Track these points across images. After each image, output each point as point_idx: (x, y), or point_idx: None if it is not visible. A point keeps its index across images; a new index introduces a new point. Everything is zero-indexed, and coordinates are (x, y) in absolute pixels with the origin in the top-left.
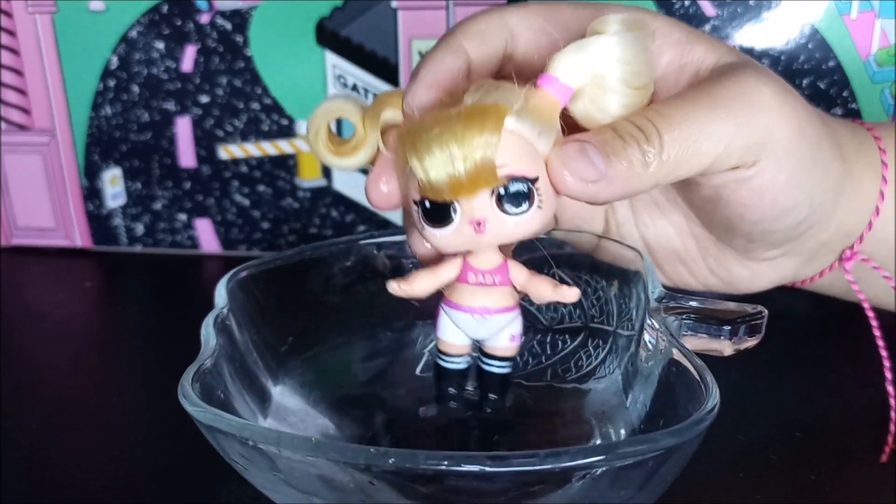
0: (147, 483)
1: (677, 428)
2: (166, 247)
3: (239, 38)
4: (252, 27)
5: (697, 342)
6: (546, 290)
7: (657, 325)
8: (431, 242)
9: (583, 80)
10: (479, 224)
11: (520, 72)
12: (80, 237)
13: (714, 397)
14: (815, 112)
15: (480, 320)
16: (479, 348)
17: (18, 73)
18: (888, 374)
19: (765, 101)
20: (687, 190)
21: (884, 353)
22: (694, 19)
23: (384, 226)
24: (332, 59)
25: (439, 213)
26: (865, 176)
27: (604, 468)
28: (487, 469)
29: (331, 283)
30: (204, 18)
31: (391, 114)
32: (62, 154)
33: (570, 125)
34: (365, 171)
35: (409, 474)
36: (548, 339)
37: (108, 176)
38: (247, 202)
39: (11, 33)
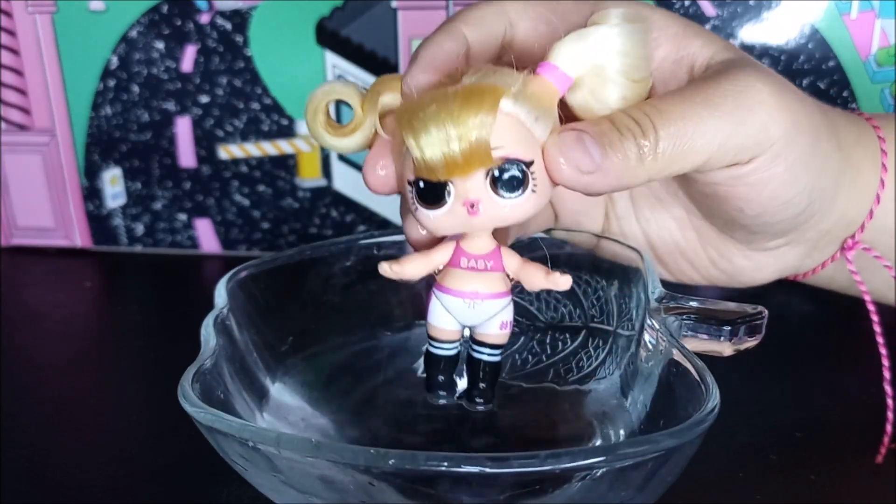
0: (147, 483)
1: (677, 429)
2: (166, 247)
3: (239, 38)
4: (252, 27)
5: (697, 342)
6: (538, 278)
7: (657, 326)
8: (424, 224)
9: (582, 69)
10: (472, 206)
11: (518, 60)
12: (80, 237)
13: (714, 398)
14: (812, 104)
15: (471, 305)
16: (470, 336)
17: (18, 73)
18: (886, 374)
19: (760, 99)
20: (686, 184)
21: (883, 350)
22: (694, 19)
23: (384, 226)
24: (332, 59)
25: (433, 194)
26: (865, 165)
27: (604, 469)
28: (487, 470)
29: (331, 283)
30: (204, 18)
31: (390, 98)
32: (62, 154)
33: (568, 118)
34: None
35: (409, 475)
36: (548, 339)
37: (108, 176)
38: (247, 202)
39: (11, 33)
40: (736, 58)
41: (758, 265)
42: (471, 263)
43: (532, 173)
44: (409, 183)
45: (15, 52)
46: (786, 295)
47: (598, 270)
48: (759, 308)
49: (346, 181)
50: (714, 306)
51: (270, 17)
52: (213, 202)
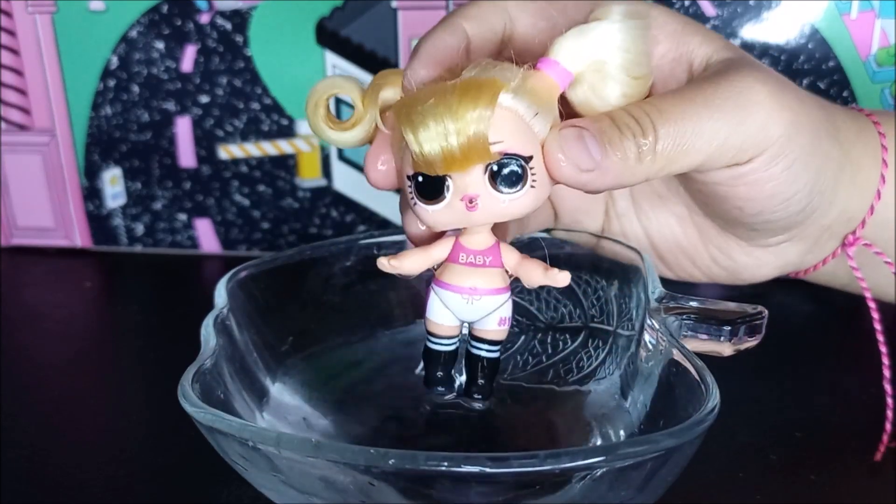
0: (147, 483)
1: (677, 429)
2: (166, 247)
3: (239, 38)
4: (252, 27)
5: (697, 342)
6: (537, 274)
7: (657, 326)
8: (423, 219)
9: (583, 65)
10: (470, 201)
11: (518, 55)
12: (80, 237)
13: (714, 398)
14: (812, 102)
15: (469, 300)
16: (469, 332)
17: (18, 73)
18: (886, 372)
19: (759, 100)
20: (686, 183)
21: (883, 348)
22: (694, 19)
23: (384, 226)
24: (332, 59)
25: (432, 188)
26: (865, 160)
27: (604, 469)
28: (487, 470)
29: (331, 283)
30: (204, 18)
31: (391, 92)
32: (62, 154)
33: (569, 114)
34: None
35: (409, 475)
36: (548, 339)
37: (108, 176)
38: (247, 202)
39: (11, 33)
40: (735, 57)
41: (759, 262)
42: (469, 259)
43: (531, 168)
44: (408, 177)
45: (15, 52)
46: (786, 295)
47: (598, 270)
48: (759, 308)
49: (346, 181)
50: (714, 306)
51: (270, 17)
52: (213, 202)
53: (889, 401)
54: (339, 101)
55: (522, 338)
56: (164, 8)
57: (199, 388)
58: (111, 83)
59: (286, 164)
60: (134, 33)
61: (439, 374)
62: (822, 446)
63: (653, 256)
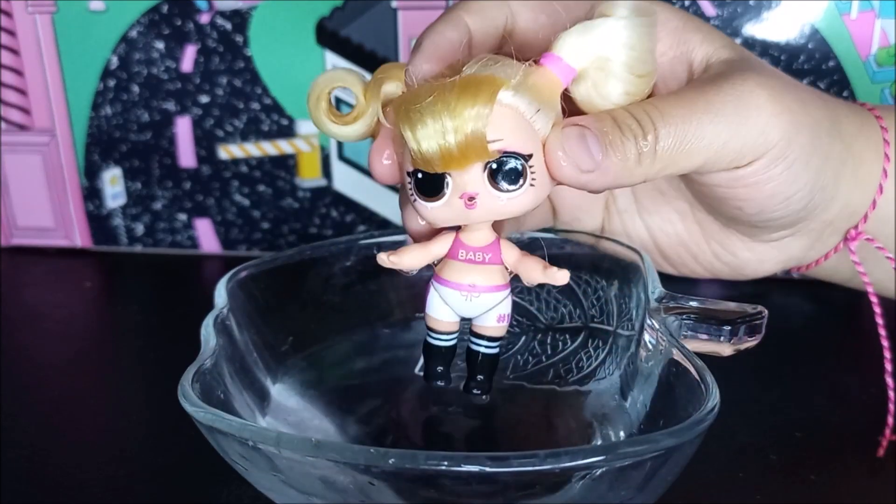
0: (147, 483)
1: (677, 428)
2: (166, 247)
3: (239, 38)
4: (252, 27)
5: (697, 342)
6: (536, 271)
7: (657, 326)
8: (422, 215)
9: (587, 61)
10: (469, 199)
11: (519, 50)
12: (80, 237)
13: (714, 398)
14: (813, 100)
15: (468, 297)
16: (469, 329)
17: (18, 73)
18: (888, 366)
19: (759, 103)
20: (687, 182)
21: (885, 342)
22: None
23: (384, 226)
24: (332, 59)
25: (431, 185)
26: (867, 154)
27: (604, 469)
28: (487, 469)
29: (331, 283)
30: (204, 18)
31: (393, 86)
32: (62, 154)
33: (572, 111)
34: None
35: (408, 475)
36: (548, 340)
37: (108, 176)
38: (247, 202)
39: (11, 33)
40: (737, 58)
41: (761, 257)
42: (469, 255)
43: (531, 167)
44: (408, 174)
45: (15, 52)
46: (786, 295)
47: (598, 270)
48: (759, 308)
49: (346, 181)
50: (714, 306)
51: (270, 17)
52: (213, 202)
53: (891, 394)
54: (339, 101)
55: (523, 338)
56: (164, 8)
57: (199, 388)
58: (111, 83)
59: (286, 164)
60: (134, 33)
61: (439, 368)
62: (822, 446)
63: (654, 253)
